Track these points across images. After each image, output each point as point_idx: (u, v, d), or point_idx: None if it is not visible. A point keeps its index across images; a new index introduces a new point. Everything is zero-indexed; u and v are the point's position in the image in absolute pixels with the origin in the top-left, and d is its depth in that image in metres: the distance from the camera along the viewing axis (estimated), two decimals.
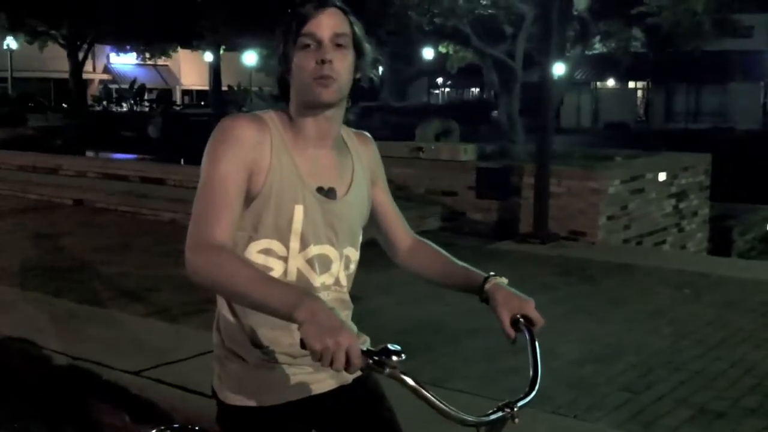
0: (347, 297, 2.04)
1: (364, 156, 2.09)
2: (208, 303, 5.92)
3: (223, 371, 1.99)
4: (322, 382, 1.97)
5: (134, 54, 43.92)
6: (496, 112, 17.25)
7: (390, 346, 1.59)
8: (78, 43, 35.57)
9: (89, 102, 41.34)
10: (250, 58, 35.64)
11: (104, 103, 42.25)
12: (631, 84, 46.32)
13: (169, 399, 4.35)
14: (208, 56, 36.24)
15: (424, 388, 1.61)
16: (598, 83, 45.36)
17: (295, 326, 1.59)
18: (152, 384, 4.53)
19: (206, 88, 45.26)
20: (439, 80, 52.20)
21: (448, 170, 10.94)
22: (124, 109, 41.00)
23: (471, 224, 10.45)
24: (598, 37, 16.20)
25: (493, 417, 1.73)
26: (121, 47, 43.49)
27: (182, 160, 15.62)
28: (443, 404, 1.63)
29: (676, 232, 11.44)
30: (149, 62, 45.55)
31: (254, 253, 1.90)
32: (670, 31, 13.86)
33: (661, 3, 13.22)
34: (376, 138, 2.19)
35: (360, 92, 1.97)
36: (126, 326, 5.75)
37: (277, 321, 1.67)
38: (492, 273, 2.03)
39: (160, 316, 6.13)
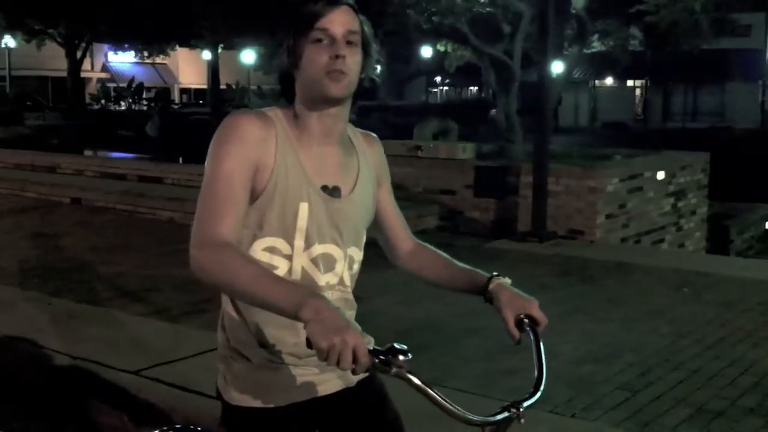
0: (351, 297, 2.03)
1: (370, 156, 2.08)
2: (207, 302, 5.95)
3: (227, 371, 1.98)
4: (328, 383, 1.97)
5: (132, 52, 43.95)
6: (494, 111, 17.26)
7: (396, 346, 1.59)
8: (76, 41, 35.57)
9: (87, 101, 41.35)
10: (248, 56, 35.62)
11: (102, 101, 42.25)
12: (629, 83, 46.34)
13: (169, 399, 4.34)
14: (207, 55, 36.25)
15: (430, 388, 1.61)
16: (596, 82, 45.38)
17: (300, 326, 1.59)
18: (151, 384, 4.53)
19: (204, 86, 45.26)
20: (437, 79, 52.24)
21: (446, 169, 10.94)
22: (123, 108, 41.01)
23: (469, 223, 10.46)
24: (596, 36, 16.21)
25: (498, 417, 1.73)
26: (119, 46, 43.49)
27: (180, 159, 15.64)
28: (449, 404, 1.63)
29: (675, 231, 11.45)
30: (147, 61, 45.56)
31: (259, 251, 1.90)
32: (668, 29, 13.87)
33: (659, 2, 13.23)
34: None
35: (361, 92, 1.97)
36: (125, 326, 5.75)
37: (282, 320, 1.67)
38: (495, 273, 2.03)
39: (160, 315, 6.13)
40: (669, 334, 5.94)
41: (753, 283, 7.64)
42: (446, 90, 56.57)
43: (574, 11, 13.16)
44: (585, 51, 16.37)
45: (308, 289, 1.69)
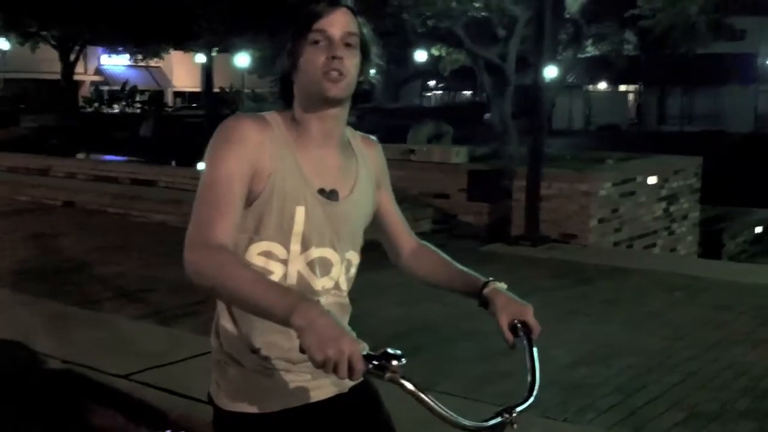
0: (346, 301, 2.02)
1: (370, 159, 2.08)
2: (200, 305, 5.93)
3: (220, 376, 1.97)
4: (321, 389, 1.95)
5: (126, 55, 43.80)
6: (488, 114, 17.26)
7: (390, 351, 1.57)
8: (70, 44, 35.49)
9: (80, 103, 41.28)
10: (242, 60, 35.59)
11: (96, 104, 42.18)
12: (624, 87, 46.44)
13: (160, 403, 4.33)
14: (201, 58, 36.19)
15: (424, 393, 1.60)
16: (591, 86, 45.46)
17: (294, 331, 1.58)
18: (142, 387, 4.51)
19: (198, 89, 45.24)
20: (432, 82, 52.25)
21: (440, 173, 10.95)
22: (116, 111, 40.94)
23: (463, 227, 10.46)
24: (590, 40, 16.25)
25: (492, 422, 1.72)
26: (113, 48, 43.40)
27: (174, 162, 15.61)
28: (443, 409, 1.62)
29: (667, 235, 11.47)
30: (141, 64, 45.45)
31: (254, 255, 1.89)
32: (664, 33, 13.90)
33: (654, 6, 13.25)
34: None
35: (360, 94, 1.96)
36: (117, 329, 5.73)
37: (276, 325, 1.65)
38: (491, 278, 2.03)
39: (152, 318, 6.12)
40: (663, 338, 5.94)
41: (746, 287, 7.66)
42: (441, 93, 56.63)
43: (569, 15, 13.19)
44: (580, 55, 16.39)
45: (300, 294, 1.67)
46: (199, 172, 1.88)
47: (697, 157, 12.32)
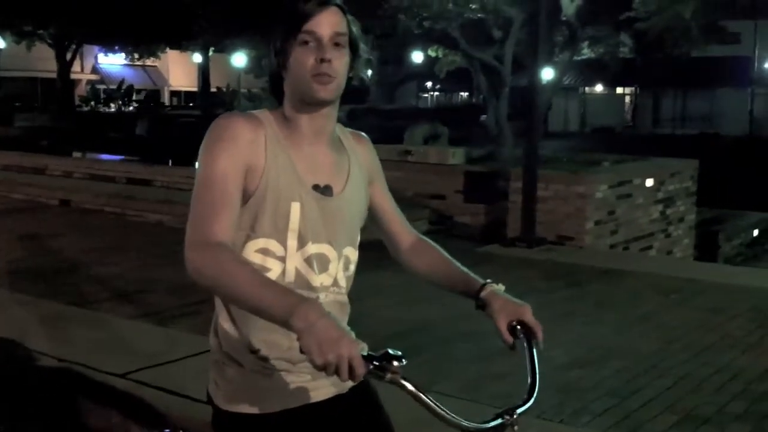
0: (346, 299, 2.03)
1: (361, 155, 2.09)
2: (197, 305, 5.93)
3: (219, 376, 1.97)
4: (321, 389, 1.96)
5: (122, 54, 43.80)
6: (484, 116, 17.28)
7: (391, 351, 1.58)
8: (66, 43, 35.45)
9: (77, 102, 41.22)
10: (239, 59, 35.58)
11: (92, 103, 42.11)
12: (619, 89, 46.52)
13: (156, 402, 4.33)
14: (197, 57, 36.20)
15: (424, 394, 1.60)
16: (586, 88, 45.53)
17: None
18: (139, 387, 4.51)
19: (195, 89, 45.19)
20: (428, 84, 52.27)
21: (437, 174, 10.96)
22: (112, 110, 40.89)
23: (459, 228, 10.47)
24: (586, 43, 16.28)
25: (492, 424, 1.72)
26: (109, 48, 43.36)
27: (170, 162, 15.59)
28: (443, 410, 1.63)
29: (663, 238, 11.48)
30: (137, 63, 45.42)
31: (252, 252, 1.89)
32: (658, 36, 13.94)
33: (649, 9, 13.28)
34: None
35: (349, 91, 1.97)
36: (113, 328, 5.73)
37: (275, 325, 1.66)
38: (489, 280, 2.03)
39: (149, 318, 6.11)
40: (657, 340, 5.96)
41: (741, 289, 7.67)
42: (437, 95, 56.64)
43: (564, 18, 13.22)
44: (575, 57, 16.43)
45: (300, 295, 1.67)
46: (195, 172, 1.89)
47: (693, 160, 12.34)
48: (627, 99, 47.85)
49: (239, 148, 1.85)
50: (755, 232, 14.12)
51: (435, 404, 1.61)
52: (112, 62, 49.23)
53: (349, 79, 1.94)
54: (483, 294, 2.00)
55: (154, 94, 45.46)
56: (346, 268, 2.00)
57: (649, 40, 14.68)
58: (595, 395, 4.80)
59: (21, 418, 4.56)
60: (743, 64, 39.45)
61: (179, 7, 26.94)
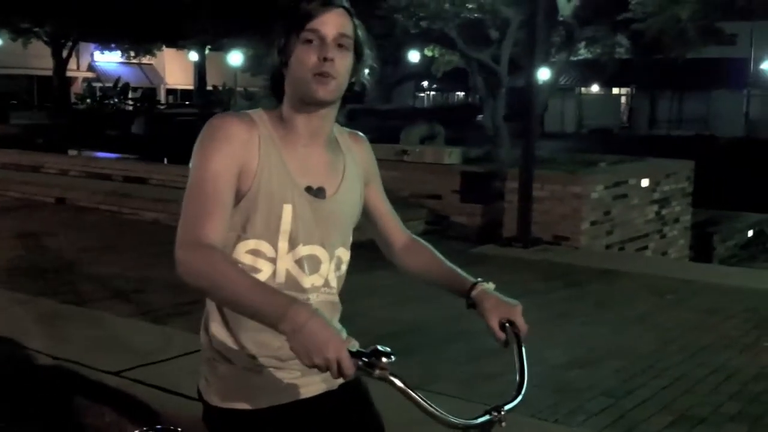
0: (336, 299, 2.03)
1: (358, 155, 2.08)
2: (192, 304, 5.92)
3: (210, 373, 1.97)
4: (311, 386, 1.96)
5: (119, 52, 43.74)
6: (481, 116, 17.29)
7: (380, 348, 1.59)
8: (62, 40, 35.41)
9: (73, 100, 41.17)
10: (235, 58, 35.56)
11: (88, 101, 42.04)
12: (615, 90, 46.57)
13: (151, 400, 4.32)
14: (193, 55, 36.19)
15: (413, 391, 1.61)
16: (583, 89, 45.56)
17: None
18: (134, 384, 4.51)
19: (191, 87, 45.15)
20: (425, 83, 52.27)
21: (433, 174, 10.96)
22: (108, 108, 40.80)
23: (455, 228, 10.47)
24: (583, 43, 16.29)
25: (480, 420, 1.73)
26: (105, 45, 43.31)
27: (166, 160, 15.58)
28: (432, 407, 1.63)
29: (658, 239, 11.50)
30: (134, 61, 45.38)
31: (242, 253, 1.89)
32: (655, 37, 13.95)
33: (646, 10, 13.30)
34: None
35: (351, 95, 1.97)
36: (109, 326, 5.72)
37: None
38: (479, 279, 2.04)
39: (145, 316, 6.11)
40: (653, 341, 5.96)
41: (737, 290, 7.68)
42: (434, 94, 56.65)
43: (562, 18, 13.22)
44: (572, 58, 16.44)
45: (289, 298, 1.66)
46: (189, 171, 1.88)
47: (689, 161, 12.36)
48: (623, 100, 47.90)
49: (233, 149, 1.84)
50: (750, 233, 14.15)
51: (424, 401, 1.62)
52: (108, 60, 49.15)
53: (351, 84, 1.93)
54: (474, 293, 2.01)
55: (150, 92, 45.36)
56: (337, 268, 2.00)
57: (646, 41, 14.69)
58: (591, 395, 4.80)
59: (17, 417, 4.55)
60: (739, 65, 39.51)
61: (176, 5, 26.92)
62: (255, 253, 1.89)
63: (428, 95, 56.75)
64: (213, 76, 38.83)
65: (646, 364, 5.40)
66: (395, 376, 1.59)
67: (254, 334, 1.89)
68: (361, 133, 2.15)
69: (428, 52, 19.40)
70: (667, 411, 4.60)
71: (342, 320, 2.02)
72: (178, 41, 34.41)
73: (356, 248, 2.07)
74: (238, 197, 1.86)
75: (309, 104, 1.90)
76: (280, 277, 1.91)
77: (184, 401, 4.02)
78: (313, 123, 1.93)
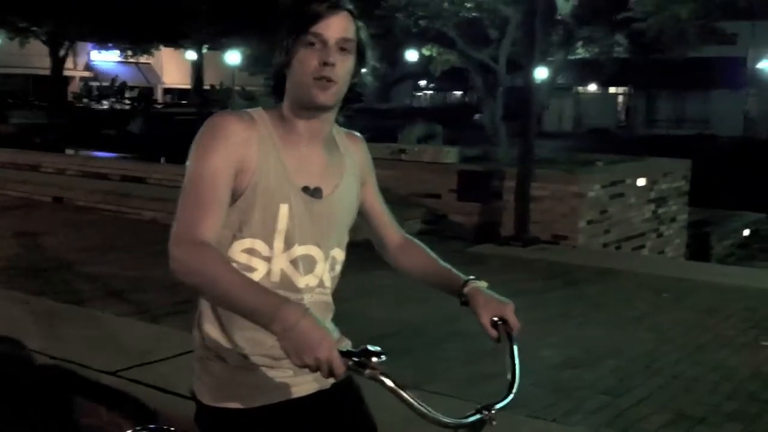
0: (330, 299, 2.03)
1: (355, 154, 2.09)
2: (189, 303, 5.91)
3: (203, 371, 1.98)
4: (303, 385, 1.97)
5: (116, 51, 43.69)
6: (479, 115, 17.30)
7: (370, 347, 1.59)
8: (59, 40, 35.36)
9: (70, 99, 41.13)
10: (233, 57, 35.54)
11: (85, 100, 42.02)
12: (613, 89, 46.58)
13: (147, 399, 4.32)
14: (191, 55, 36.16)
15: (403, 390, 1.61)
16: (581, 88, 45.57)
17: None
18: (130, 384, 4.51)
19: (188, 86, 45.10)
20: (423, 83, 52.26)
21: (431, 173, 10.95)
22: (105, 107, 40.80)
23: (453, 227, 10.47)
24: (581, 42, 16.27)
25: (471, 419, 1.74)
26: (102, 44, 43.26)
27: (163, 159, 15.57)
28: (422, 406, 1.63)
29: (655, 237, 11.51)
30: (131, 60, 45.32)
31: (238, 252, 1.89)
32: (654, 37, 13.95)
33: (645, 9, 13.29)
34: None
35: (351, 96, 1.96)
36: (106, 326, 5.71)
37: None
38: (472, 277, 2.05)
39: (141, 316, 6.10)
40: (650, 340, 5.97)
41: (733, 289, 7.69)
42: (432, 94, 56.65)
43: (560, 17, 13.21)
44: (570, 57, 16.42)
45: (282, 298, 1.67)
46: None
47: (685, 160, 12.38)
48: (621, 99, 47.93)
49: (231, 148, 1.84)
50: (747, 233, 14.16)
51: (414, 400, 1.62)
52: (106, 59, 49.11)
53: (353, 85, 1.93)
54: (466, 290, 2.02)
55: (147, 92, 45.33)
56: (332, 268, 2.01)
57: (645, 40, 14.69)
58: (588, 394, 4.80)
59: (14, 416, 4.55)
60: (739, 65, 39.52)
61: (174, 4, 26.89)
62: (250, 251, 1.90)
63: (426, 95, 56.75)
64: (210, 75, 38.81)
65: (644, 363, 5.40)
66: (386, 376, 1.59)
67: (247, 332, 1.89)
68: (357, 133, 2.15)
69: (426, 52, 19.37)
70: (664, 410, 4.60)
71: (338, 320, 2.03)
72: (176, 40, 34.37)
73: (353, 248, 2.07)
74: (235, 196, 1.86)
75: (309, 109, 1.90)
76: (275, 277, 1.91)
77: (180, 401, 4.01)
78: (313, 125, 1.94)
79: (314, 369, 1.56)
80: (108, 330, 5.60)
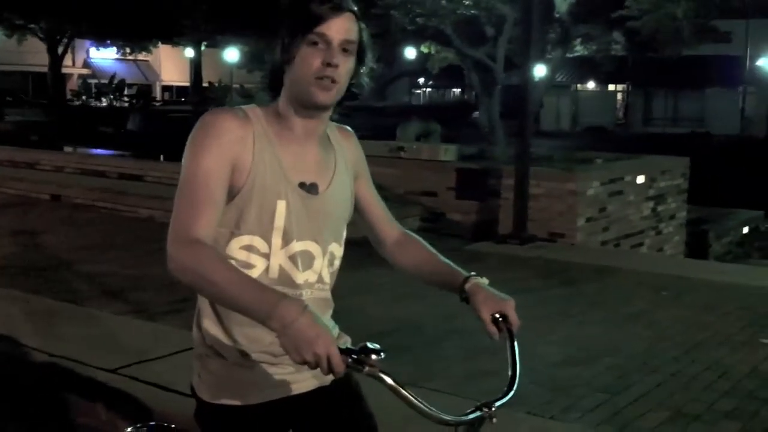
0: (329, 295, 2.03)
1: (348, 150, 2.09)
2: (187, 301, 5.91)
3: (203, 369, 1.98)
4: (303, 382, 1.97)
5: (114, 49, 43.64)
6: (476, 113, 17.30)
7: (369, 345, 1.60)
8: (57, 37, 35.31)
9: (68, 97, 41.09)
10: (231, 54, 35.51)
11: (83, 97, 41.97)
12: (611, 87, 46.60)
13: (145, 397, 4.33)
14: (189, 52, 36.14)
15: (402, 387, 1.61)
16: (578, 86, 45.59)
17: None
18: (129, 382, 4.51)
19: (187, 84, 45.08)
20: (421, 81, 52.26)
21: (429, 171, 10.95)
22: (104, 104, 40.77)
23: (450, 225, 10.47)
24: (578, 40, 16.29)
25: (471, 416, 1.74)
26: (101, 42, 43.20)
27: (162, 157, 15.56)
28: (421, 403, 1.64)
29: (654, 235, 11.52)
30: (129, 57, 45.28)
31: (236, 249, 1.90)
32: (650, 35, 13.96)
33: (642, 7, 13.30)
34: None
35: (348, 96, 1.97)
36: (104, 324, 5.72)
37: None
38: (473, 273, 2.04)
39: (139, 314, 6.10)
40: (648, 338, 5.97)
41: (731, 287, 7.69)
42: (429, 92, 56.66)
43: (557, 15, 13.23)
44: (567, 55, 16.44)
45: (280, 294, 1.67)
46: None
47: (684, 158, 12.38)
48: (619, 97, 47.96)
49: (226, 145, 1.84)
50: (745, 230, 14.17)
51: (414, 397, 1.62)
52: (104, 56, 49.06)
53: (351, 84, 1.93)
54: (467, 286, 2.01)
55: (145, 89, 45.30)
56: (330, 264, 2.01)
57: (642, 38, 14.70)
58: (586, 392, 4.81)
59: (13, 414, 4.55)
60: (734, 63, 39.56)
61: (172, 1, 26.86)
62: (248, 248, 1.90)
63: (424, 92, 56.75)
64: (209, 72, 38.77)
65: (641, 361, 5.41)
66: (385, 374, 1.59)
67: (246, 328, 1.89)
68: (348, 128, 2.15)
69: (424, 49, 19.38)
70: (662, 407, 4.61)
71: (336, 317, 2.03)
72: (174, 38, 34.32)
73: (351, 245, 2.07)
74: (232, 193, 1.86)
75: (308, 108, 1.90)
76: (274, 273, 1.91)
77: (178, 398, 4.02)
78: (310, 123, 1.95)
79: (313, 365, 1.56)
80: (106, 328, 5.60)
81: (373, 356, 1.58)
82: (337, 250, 2.03)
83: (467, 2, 13.45)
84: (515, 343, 1.92)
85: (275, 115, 1.94)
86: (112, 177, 12.89)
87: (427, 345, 5.56)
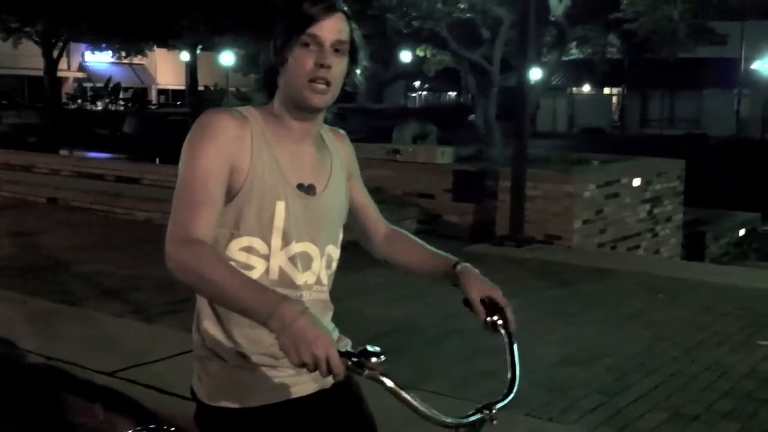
0: (328, 297, 2.03)
1: (342, 151, 2.10)
2: (184, 303, 5.90)
3: (203, 371, 1.97)
4: (303, 384, 1.96)
5: (110, 52, 43.58)
6: (473, 115, 17.30)
7: (369, 348, 1.59)
8: (53, 40, 35.27)
9: (64, 100, 41.05)
10: (227, 58, 35.48)
11: (79, 101, 41.93)
12: (607, 90, 46.68)
13: (144, 400, 4.32)
14: (185, 55, 36.08)
15: (402, 390, 1.61)
16: (574, 88, 45.65)
17: None
18: (127, 384, 4.50)
19: (182, 87, 45.00)
20: (417, 83, 52.28)
21: (425, 173, 10.96)
22: (99, 108, 40.72)
23: (447, 227, 10.47)
24: (574, 43, 16.31)
25: (471, 418, 1.74)
26: (96, 45, 43.14)
27: (158, 160, 15.55)
28: (422, 406, 1.63)
29: (650, 237, 11.52)
30: (125, 61, 45.23)
31: (236, 250, 1.89)
32: (646, 37, 13.98)
33: (637, 9, 13.32)
34: (352, 140, 2.21)
35: (341, 95, 1.97)
36: (102, 326, 5.71)
37: None
38: (461, 259, 2.08)
39: (137, 316, 6.10)
40: (646, 339, 5.98)
41: (728, 288, 7.71)
42: (425, 94, 56.68)
43: (553, 18, 13.23)
44: (563, 57, 16.46)
45: (279, 295, 1.67)
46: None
47: (680, 160, 12.39)
48: (614, 99, 48.03)
49: (223, 144, 1.84)
50: (742, 232, 14.19)
51: (413, 400, 1.62)
52: (99, 60, 49.00)
53: (344, 84, 1.94)
54: (458, 269, 2.05)
55: (141, 93, 45.26)
56: (328, 266, 2.01)
57: (638, 41, 14.73)
58: (584, 393, 4.81)
59: (11, 416, 4.54)
60: (730, 65, 39.60)
61: (167, 4, 26.82)
62: (248, 250, 1.90)
63: (420, 95, 56.78)
64: (205, 76, 38.73)
65: (639, 362, 5.41)
66: (385, 376, 1.59)
67: (246, 330, 1.88)
68: (341, 130, 2.16)
69: (420, 52, 19.40)
70: (660, 408, 4.61)
71: (335, 319, 2.03)
72: (170, 41, 34.29)
73: (349, 247, 2.07)
74: (231, 194, 1.86)
75: (301, 110, 1.91)
76: (274, 274, 1.91)
77: (178, 401, 4.01)
78: (304, 124, 1.95)
79: (312, 367, 1.56)
80: (104, 330, 5.59)
81: (373, 359, 1.58)
82: (334, 252, 2.03)
83: (463, 5, 13.45)
84: (515, 346, 1.92)
85: (271, 116, 1.94)
86: (109, 180, 12.88)
87: (425, 346, 5.56)
